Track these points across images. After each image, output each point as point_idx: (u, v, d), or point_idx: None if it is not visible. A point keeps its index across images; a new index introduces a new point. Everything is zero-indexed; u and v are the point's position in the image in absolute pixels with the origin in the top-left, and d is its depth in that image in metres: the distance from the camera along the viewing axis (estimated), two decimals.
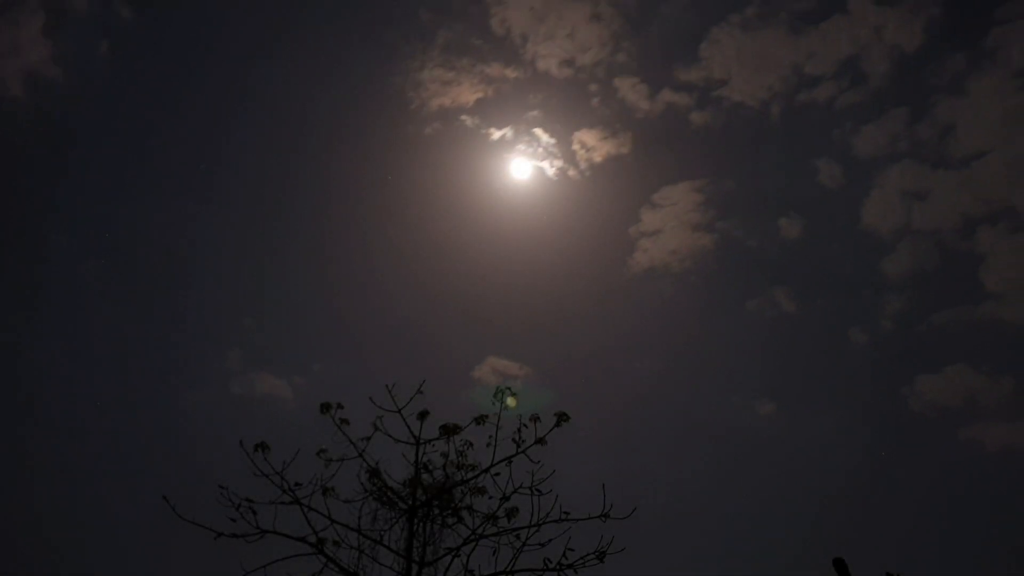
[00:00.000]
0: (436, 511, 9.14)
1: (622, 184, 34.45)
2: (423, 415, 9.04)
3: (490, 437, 8.81)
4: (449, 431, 8.97)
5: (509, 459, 8.79)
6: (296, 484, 8.74)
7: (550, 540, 8.51)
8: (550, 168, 33.37)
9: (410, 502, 9.03)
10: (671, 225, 33.20)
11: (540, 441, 8.71)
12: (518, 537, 8.61)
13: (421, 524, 8.99)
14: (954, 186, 32.35)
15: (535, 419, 8.74)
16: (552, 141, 33.32)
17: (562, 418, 8.63)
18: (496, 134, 33.57)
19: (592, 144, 33.33)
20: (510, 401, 8.76)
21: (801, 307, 33.15)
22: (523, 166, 33.83)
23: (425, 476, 9.25)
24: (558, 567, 8.33)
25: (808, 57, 32.39)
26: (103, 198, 33.77)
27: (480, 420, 8.85)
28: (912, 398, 31.14)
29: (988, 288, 32.35)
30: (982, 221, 32.32)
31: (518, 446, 8.75)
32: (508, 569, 8.51)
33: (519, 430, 8.74)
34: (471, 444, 9.02)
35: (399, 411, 9.11)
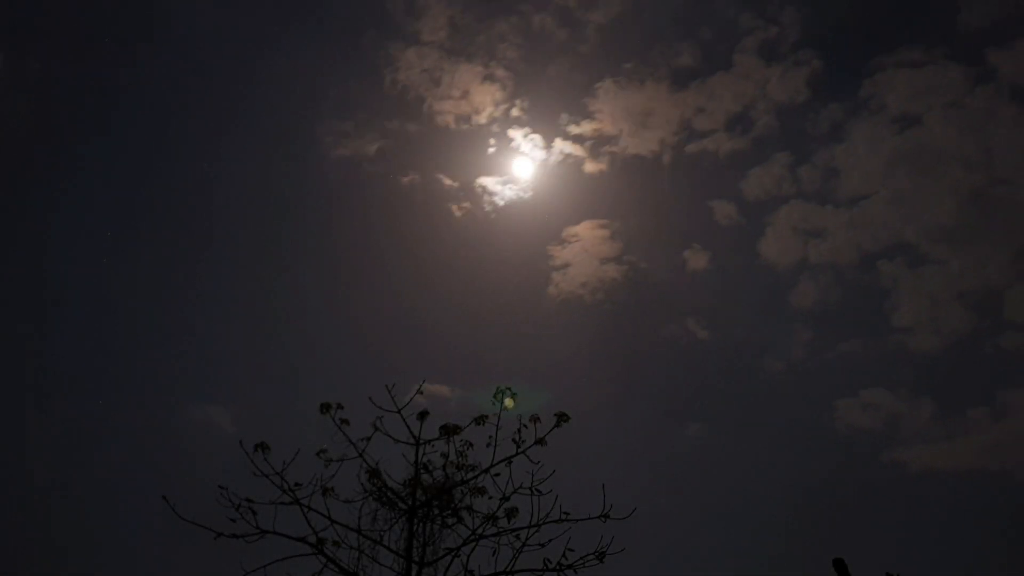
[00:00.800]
0: (436, 511, 9.14)
1: (528, 223, 36.15)
2: (423, 415, 9.04)
3: (490, 437, 8.80)
4: (449, 431, 8.97)
5: (509, 459, 8.78)
6: (296, 484, 8.74)
7: (550, 540, 8.51)
8: (458, 211, 35.60)
9: (410, 502, 9.03)
10: (580, 259, 34.70)
11: (540, 442, 8.70)
12: (518, 537, 8.60)
13: (421, 524, 8.99)
14: (845, 224, 34.38)
15: (535, 419, 8.73)
16: (456, 185, 35.58)
17: (562, 418, 8.62)
18: (405, 179, 36.01)
19: (494, 189, 35.25)
20: (508, 402, 8.76)
21: (713, 335, 34.47)
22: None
23: (425, 476, 9.25)
24: (558, 567, 8.33)
25: (696, 112, 34.38)
26: (24, 247, 34.24)
27: (480, 420, 8.85)
28: (836, 421, 32.23)
29: (894, 323, 33.82)
30: (879, 256, 34.20)
31: (518, 446, 8.75)
32: (508, 569, 8.51)
33: (519, 430, 8.74)
34: (471, 444, 9.02)
35: (399, 411, 9.11)
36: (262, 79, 37.04)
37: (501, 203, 35.40)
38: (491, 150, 35.96)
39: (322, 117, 36.85)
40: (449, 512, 9.18)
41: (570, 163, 35.26)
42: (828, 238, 34.49)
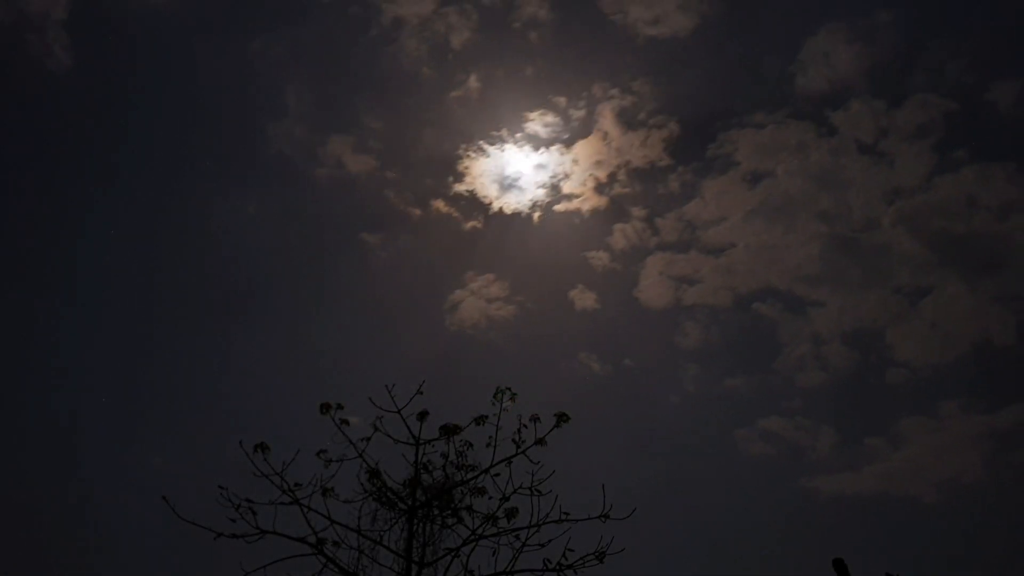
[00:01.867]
0: (436, 512, 9.14)
1: (414, 274, 37.97)
2: (423, 415, 9.03)
3: (490, 438, 8.80)
4: (449, 432, 8.97)
5: (509, 459, 8.78)
6: (296, 484, 8.74)
7: (550, 540, 8.51)
8: (344, 264, 37.38)
9: (410, 502, 9.03)
10: (468, 302, 36.00)
11: (540, 442, 8.71)
12: (518, 537, 8.60)
13: (421, 525, 8.99)
14: (712, 271, 36.12)
15: (535, 419, 8.74)
16: (339, 239, 37.52)
17: (562, 419, 8.62)
18: (287, 233, 37.05)
19: (375, 243, 37.39)
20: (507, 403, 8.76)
21: (606, 368, 35.54)
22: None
23: (425, 476, 9.25)
24: (558, 567, 8.33)
25: (563, 177, 36.08)
26: None
27: (480, 420, 8.85)
28: (739, 451, 33.05)
29: (778, 364, 34.84)
30: (753, 299, 35.68)
31: (518, 447, 8.75)
32: (508, 569, 8.51)
33: (519, 431, 8.74)
34: (471, 444, 9.02)
35: (399, 411, 9.10)
36: (134, 144, 38.15)
37: (384, 255, 37.61)
38: (370, 210, 38.30)
39: (196, 179, 38.10)
40: (449, 512, 9.18)
41: (448, 221, 37.17)
42: (698, 284, 36.33)
